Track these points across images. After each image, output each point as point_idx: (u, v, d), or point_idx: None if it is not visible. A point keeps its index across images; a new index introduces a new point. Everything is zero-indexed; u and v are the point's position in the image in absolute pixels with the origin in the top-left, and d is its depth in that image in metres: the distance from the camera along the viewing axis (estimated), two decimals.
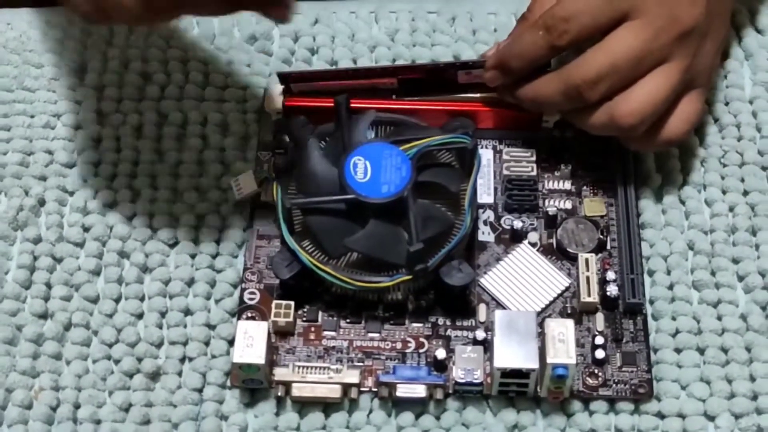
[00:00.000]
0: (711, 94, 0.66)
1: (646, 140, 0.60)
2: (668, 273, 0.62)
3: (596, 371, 0.58)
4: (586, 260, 0.60)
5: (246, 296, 0.61)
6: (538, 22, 0.58)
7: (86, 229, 0.64)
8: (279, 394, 0.57)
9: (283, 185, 0.60)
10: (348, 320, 0.60)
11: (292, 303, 0.59)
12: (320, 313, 0.60)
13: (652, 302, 0.61)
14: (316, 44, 0.70)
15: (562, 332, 0.55)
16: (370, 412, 0.58)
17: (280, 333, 0.59)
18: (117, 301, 0.61)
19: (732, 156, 0.65)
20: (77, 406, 0.58)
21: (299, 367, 0.57)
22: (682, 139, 0.61)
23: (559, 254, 0.62)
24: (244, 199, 0.63)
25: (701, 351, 0.59)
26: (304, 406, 0.58)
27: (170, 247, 0.63)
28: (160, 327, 0.60)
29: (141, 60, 0.69)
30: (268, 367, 0.57)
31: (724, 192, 0.64)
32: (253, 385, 0.58)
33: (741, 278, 0.61)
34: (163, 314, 0.61)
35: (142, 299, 0.62)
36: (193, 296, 0.61)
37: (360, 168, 0.58)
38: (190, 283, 0.62)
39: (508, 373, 0.55)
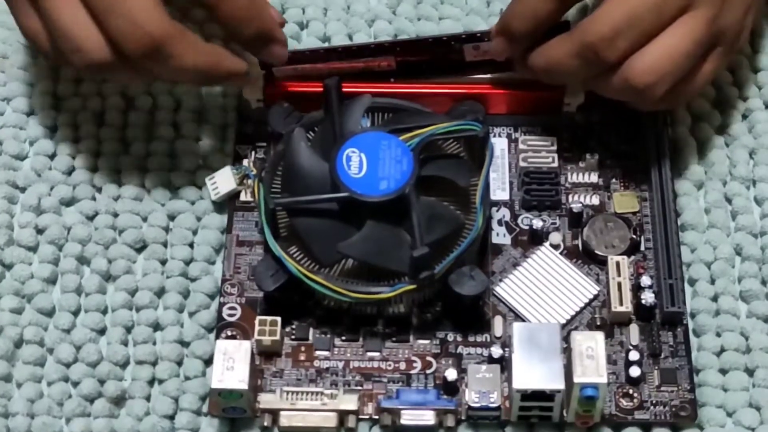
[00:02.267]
0: (763, 74, 0.66)
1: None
2: (712, 282, 0.61)
3: (631, 391, 0.57)
4: (617, 264, 0.59)
5: (225, 312, 0.60)
6: None
7: (40, 231, 0.63)
8: (265, 423, 0.57)
9: (266, 183, 0.59)
10: (343, 338, 0.60)
11: (279, 319, 0.59)
12: (311, 330, 0.60)
13: (693, 316, 0.60)
14: (306, 17, 0.70)
15: (591, 347, 0.54)
16: None
17: (266, 353, 0.59)
18: (75, 314, 0.61)
19: None
20: None
21: (288, 392, 0.57)
22: (684, 101, 0.63)
23: (586, 257, 0.61)
24: (221, 198, 0.63)
25: (750, 372, 0.59)
26: None
27: (137, 251, 0.63)
28: (126, 344, 0.60)
29: None
30: (252, 393, 0.56)
31: None
32: (235, 414, 0.57)
33: None
34: (128, 329, 0.60)
35: (104, 312, 0.61)
36: (164, 308, 0.61)
37: (354, 162, 0.58)
38: (160, 293, 0.61)
39: (529, 396, 0.55)
